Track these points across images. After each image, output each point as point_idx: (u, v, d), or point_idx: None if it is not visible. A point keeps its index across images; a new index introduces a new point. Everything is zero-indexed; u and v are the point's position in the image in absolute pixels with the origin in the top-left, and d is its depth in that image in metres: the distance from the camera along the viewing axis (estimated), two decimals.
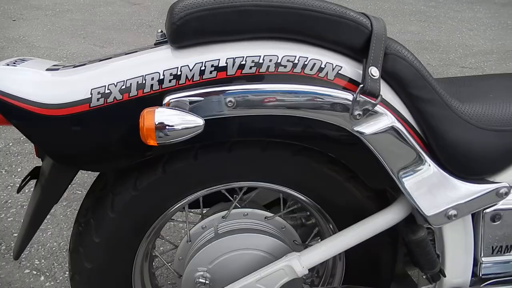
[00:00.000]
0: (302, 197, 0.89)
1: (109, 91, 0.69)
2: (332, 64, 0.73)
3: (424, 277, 0.86)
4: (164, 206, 0.84)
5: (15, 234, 1.64)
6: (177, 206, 0.85)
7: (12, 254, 0.87)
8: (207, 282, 0.88)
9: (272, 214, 0.96)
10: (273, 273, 0.85)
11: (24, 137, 2.25)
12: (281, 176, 0.85)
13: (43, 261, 1.53)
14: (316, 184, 0.86)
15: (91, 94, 0.69)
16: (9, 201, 1.81)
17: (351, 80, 0.74)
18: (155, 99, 0.70)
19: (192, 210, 1.04)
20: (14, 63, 0.77)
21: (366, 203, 0.89)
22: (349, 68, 0.74)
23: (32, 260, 1.53)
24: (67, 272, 1.47)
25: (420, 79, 0.76)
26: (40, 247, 1.58)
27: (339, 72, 0.74)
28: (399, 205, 0.85)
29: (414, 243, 0.81)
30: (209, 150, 0.80)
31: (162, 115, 0.62)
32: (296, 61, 0.72)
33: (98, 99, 0.69)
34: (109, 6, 4.61)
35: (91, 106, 0.70)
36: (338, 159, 0.83)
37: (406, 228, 0.83)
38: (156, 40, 0.80)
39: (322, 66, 0.73)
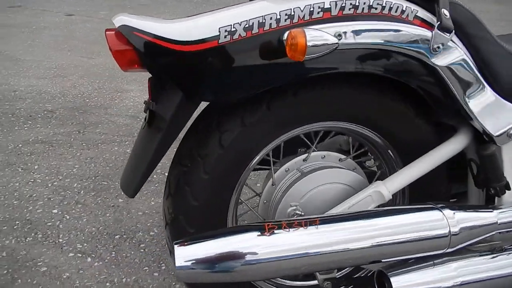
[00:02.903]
0: (376, 138, 1.01)
1: (234, 29, 0.79)
2: (411, 8, 0.88)
3: (492, 192, 0.99)
4: (265, 141, 0.93)
5: (49, 223, 1.63)
6: (272, 143, 0.95)
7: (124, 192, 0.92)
8: (302, 213, 0.97)
9: (345, 156, 1.07)
10: (362, 200, 0.96)
11: (33, 138, 2.26)
12: (361, 115, 0.97)
13: (85, 244, 1.53)
14: (390, 121, 0.99)
15: (219, 32, 0.79)
16: (34, 195, 1.79)
17: (425, 21, 0.89)
18: (274, 36, 0.81)
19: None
20: (131, 15, 0.85)
21: (431, 137, 1.02)
22: (422, 12, 0.89)
23: (74, 245, 1.52)
24: (113, 252, 1.49)
25: (476, 21, 0.93)
26: (78, 233, 1.58)
27: (416, 14, 0.88)
28: (462, 134, 1.00)
29: (486, 157, 0.95)
30: (306, 87, 0.91)
31: (310, 33, 0.73)
32: (384, 5, 0.86)
33: (225, 36, 0.79)
34: (87, 23, 4.61)
35: (219, 42, 0.79)
36: (411, 96, 0.97)
37: (478, 147, 0.97)
38: None
39: (403, 9, 0.87)
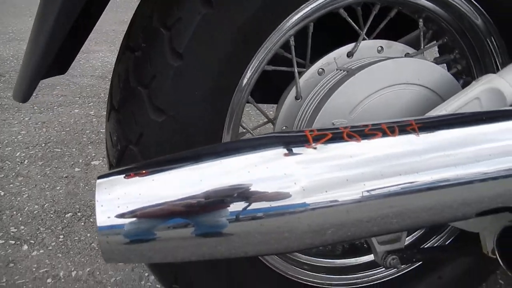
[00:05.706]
0: (476, 17, 0.60)
1: None
2: None
3: None
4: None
5: None
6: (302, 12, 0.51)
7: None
8: None
9: (414, 50, 0.64)
10: (464, 106, 0.53)
11: None
12: None
13: (22, 227, 1.08)
14: None
15: None
16: None
17: None
18: None
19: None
20: None
21: None
22: None
23: (6, 229, 1.08)
24: (61, 236, 1.05)
25: None
26: (14, 212, 1.14)
27: None
28: None
29: None
30: None
31: None
32: None
33: None
34: None
35: None
36: None
37: None
38: None
39: None
